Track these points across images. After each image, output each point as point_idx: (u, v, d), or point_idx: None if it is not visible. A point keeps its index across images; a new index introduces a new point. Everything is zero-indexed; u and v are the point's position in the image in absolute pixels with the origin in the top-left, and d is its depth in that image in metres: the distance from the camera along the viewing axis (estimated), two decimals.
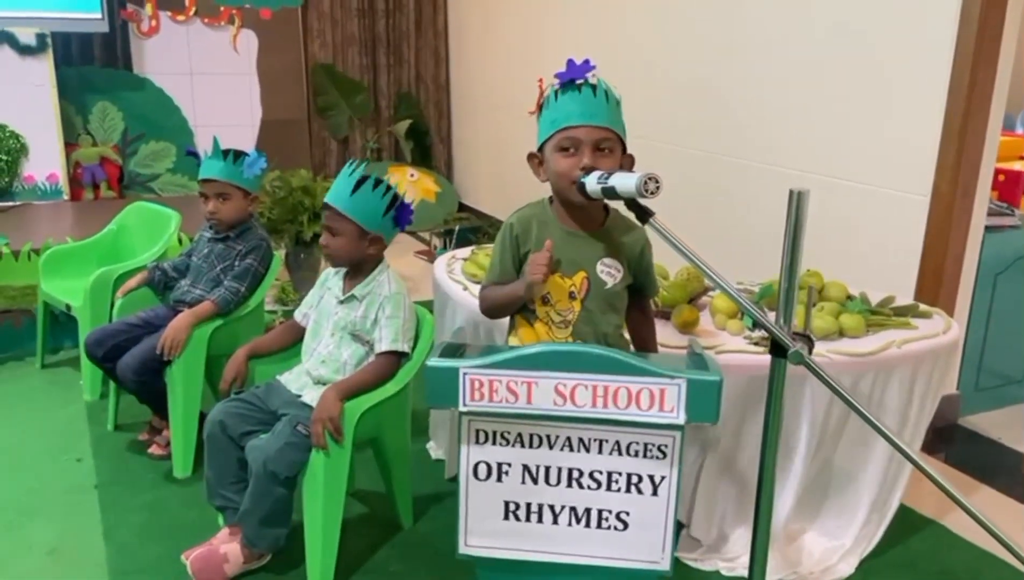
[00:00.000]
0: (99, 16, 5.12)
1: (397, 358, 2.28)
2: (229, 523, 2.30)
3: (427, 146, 6.61)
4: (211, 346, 2.75)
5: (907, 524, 2.53)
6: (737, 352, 2.21)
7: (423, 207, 6.10)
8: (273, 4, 5.91)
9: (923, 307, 2.55)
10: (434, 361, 1.39)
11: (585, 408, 1.36)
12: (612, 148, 1.68)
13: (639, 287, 1.85)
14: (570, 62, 1.68)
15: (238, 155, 2.77)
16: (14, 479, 2.73)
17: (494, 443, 1.42)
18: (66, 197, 5.17)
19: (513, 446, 1.43)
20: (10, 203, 4.97)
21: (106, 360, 2.80)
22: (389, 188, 2.30)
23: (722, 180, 3.77)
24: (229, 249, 2.83)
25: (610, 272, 1.75)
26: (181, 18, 5.69)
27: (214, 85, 5.79)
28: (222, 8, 5.77)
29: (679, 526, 2.35)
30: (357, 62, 6.33)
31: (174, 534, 2.43)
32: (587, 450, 1.41)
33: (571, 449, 1.42)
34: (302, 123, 6.27)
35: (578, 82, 1.67)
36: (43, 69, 5.01)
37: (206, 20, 5.76)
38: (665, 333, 2.33)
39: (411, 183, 6.16)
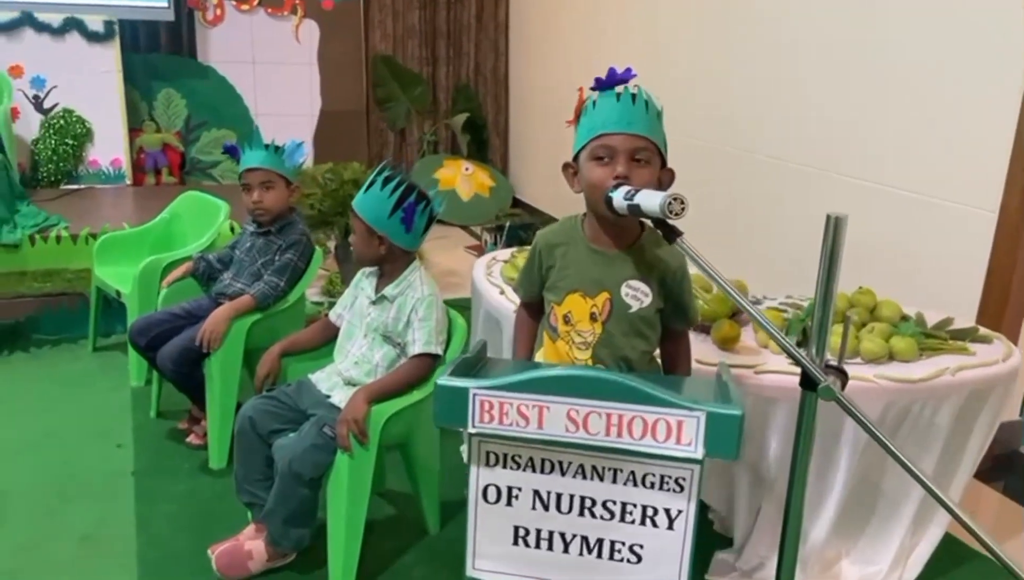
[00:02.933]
0: (165, 5, 5.22)
1: (431, 360, 2.26)
2: (256, 519, 2.30)
3: (484, 140, 6.58)
4: (250, 339, 2.77)
5: (954, 556, 2.40)
6: (779, 373, 2.12)
7: (476, 202, 6.08)
8: None
9: (983, 331, 2.41)
10: (444, 380, 1.35)
11: (598, 437, 1.30)
12: (649, 159, 1.60)
13: (671, 313, 1.76)
14: (611, 70, 1.62)
15: (279, 147, 2.80)
16: (56, 462, 2.79)
17: (504, 466, 1.38)
18: (128, 182, 5.29)
19: (524, 470, 1.38)
20: (74, 186, 5.10)
21: (148, 349, 2.85)
22: (401, 189, 2.20)
23: (777, 186, 3.65)
24: (270, 243, 2.85)
25: (636, 295, 1.68)
26: (245, 7, 5.76)
27: (275, 74, 5.86)
28: None
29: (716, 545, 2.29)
30: (417, 54, 6.32)
31: (205, 525, 2.45)
32: (600, 479, 1.35)
33: (584, 477, 1.36)
34: (360, 114, 6.30)
35: (617, 90, 1.61)
36: (110, 56, 5.12)
37: (269, 10, 5.82)
38: (703, 349, 2.25)
39: (465, 177, 6.14)
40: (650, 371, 1.71)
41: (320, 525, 2.23)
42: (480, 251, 5.41)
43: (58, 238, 4.00)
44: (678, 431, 1.27)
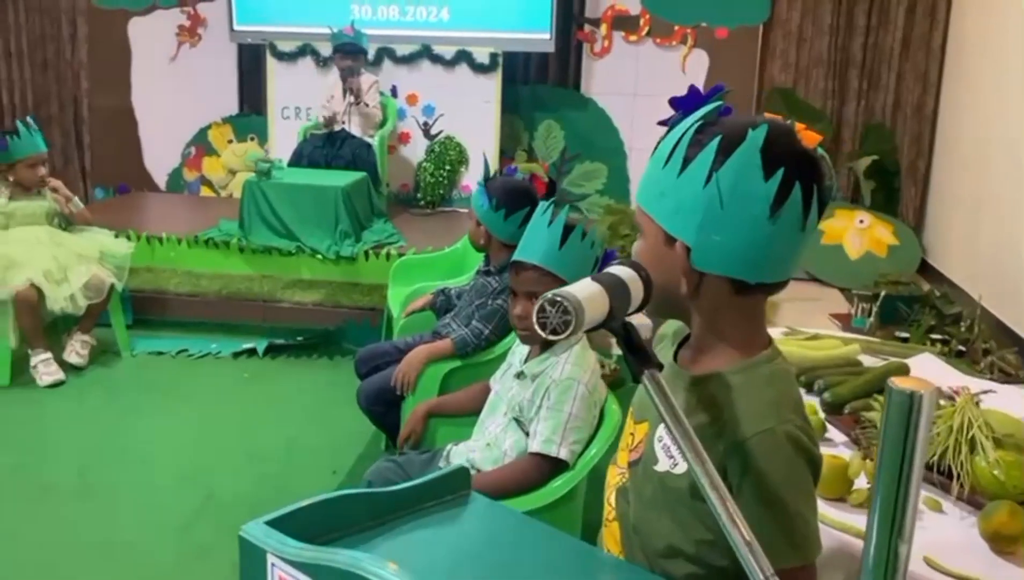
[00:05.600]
0: (547, 36, 5.25)
1: (548, 466, 1.74)
2: None
3: (894, 189, 5.46)
4: (447, 387, 2.48)
5: None
6: None
7: (867, 262, 5.05)
8: (731, 22, 5.45)
9: None
10: (247, 528, 0.89)
11: None
12: (638, 227, 1.05)
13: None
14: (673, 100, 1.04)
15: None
16: (272, 476, 2.83)
17: None
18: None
19: None
20: (447, 209, 5.38)
21: (366, 378, 2.74)
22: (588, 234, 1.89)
23: None
24: (486, 285, 2.55)
25: (668, 447, 0.99)
26: (633, 38, 5.55)
27: (655, 108, 5.49)
28: (676, 28, 5.49)
29: None
30: (821, 86, 5.49)
31: None
32: None
33: None
34: None
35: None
36: (491, 86, 5.30)
37: (658, 40, 5.54)
38: (965, 537, 1.38)
39: (858, 230, 5.15)
40: None
41: None
42: (845, 323, 4.45)
43: (388, 255, 4.18)
44: None
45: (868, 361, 2.15)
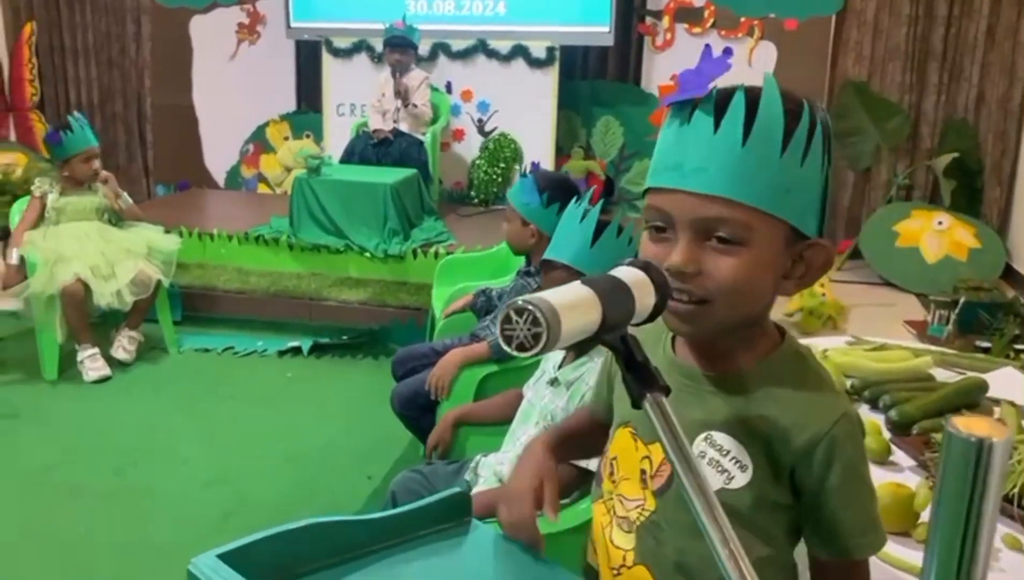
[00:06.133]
0: (606, 29, 5.08)
1: (582, 475, 1.60)
2: None
3: (976, 189, 5.13)
4: (483, 392, 2.36)
5: None
6: None
7: (945, 266, 4.75)
8: (801, 13, 5.19)
9: None
10: (197, 563, 0.78)
11: None
12: (739, 237, 0.82)
13: (806, 526, 0.89)
14: (683, 75, 0.85)
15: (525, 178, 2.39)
16: (307, 480, 2.76)
17: None
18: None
19: None
20: (499, 207, 5.25)
21: (402, 380, 2.64)
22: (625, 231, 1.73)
23: None
24: (525, 286, 2.42)
25: (717, 460, 0.86)
26: (697, 31, 5.34)
27: None
28: (742, 19, 5.26)
29: None
30: (898, 80, 5.18)
31: None
32: None
33: None
34: None
35: (694, 101, 0.83)
36: (548, 81, 5.15)
37: (723, 32, 5.32)
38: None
39: (936, 233, 4.85)
40: None
41: None
42: (920, 331, 4.17)
43: (436, 254, 4.08)
44: None
45: (942, 375, 1.95)
